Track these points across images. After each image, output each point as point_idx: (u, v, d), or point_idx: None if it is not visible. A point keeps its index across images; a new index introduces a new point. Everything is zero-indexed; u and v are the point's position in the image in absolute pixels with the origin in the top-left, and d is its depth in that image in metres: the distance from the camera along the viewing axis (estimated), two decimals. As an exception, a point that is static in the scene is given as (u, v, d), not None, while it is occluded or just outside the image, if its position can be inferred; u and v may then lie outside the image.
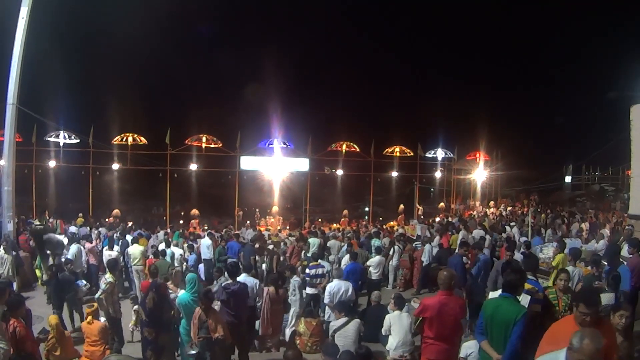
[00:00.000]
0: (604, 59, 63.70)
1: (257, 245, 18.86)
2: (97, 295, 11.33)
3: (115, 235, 20.81)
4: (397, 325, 9.78)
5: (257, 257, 17.87)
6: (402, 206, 38.82)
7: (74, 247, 16.66)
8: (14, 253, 16.24)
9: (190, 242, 19.77)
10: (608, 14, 67.87)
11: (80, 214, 31.72)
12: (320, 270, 13.66)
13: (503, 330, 6.41)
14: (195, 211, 34.46)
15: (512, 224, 25.54)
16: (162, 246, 18.38)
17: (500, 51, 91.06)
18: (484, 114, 52.57)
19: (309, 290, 13.43)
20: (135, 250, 17.12)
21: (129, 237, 19.27)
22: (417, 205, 41.28)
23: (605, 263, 12.54)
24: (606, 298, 8.25)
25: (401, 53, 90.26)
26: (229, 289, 9.49)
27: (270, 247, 20.03)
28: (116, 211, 33.07)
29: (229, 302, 9.44)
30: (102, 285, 11.48)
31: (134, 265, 16.62)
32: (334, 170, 43.32)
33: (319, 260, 14.36)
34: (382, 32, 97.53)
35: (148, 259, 16.80)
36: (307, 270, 13.84)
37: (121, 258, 17.00)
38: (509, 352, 6.27)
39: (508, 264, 12.00)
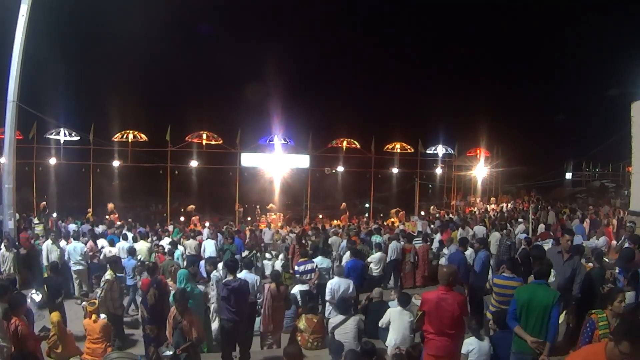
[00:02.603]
0: (605, 55, 63.90)
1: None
2: (97, 295, 11.36)
3: (115, 232, 20.88)
4: (397, 322, 9.76)
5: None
6: (393, 211, 38.75)
7: (73, 245, 16.56)
8: (14, 251, 16.25)
9: (187, 242, 19.63)
10: (609, 11, 67.76)
11: (89, 210, 31.91)
12: (309, 266, 13.73)
13: (541, 314, 7.07)
14: (191, 207, 34.50)
15: (520, 220, 25.48)
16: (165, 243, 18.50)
17: (501, 47, 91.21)
18: (484, 110, 52.73)
19: (300, 287, 13.50)
20: (141, 247, 17.13)
21: (129, 235, 19.32)
22: (432, 208, 41.35)
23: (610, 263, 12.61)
24: (627, 296, 7.98)
25: (401, 49, 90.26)
26: (230, 285, 9.47)
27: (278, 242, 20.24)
28: (110, 205, 32.98)
29: (229, 299, 9.42)
30: (101, 284, 11.53)
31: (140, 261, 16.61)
32: (334, 172, 43.38)
33: (320, 257, 14.45)
34: (383, 29, 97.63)
35: (159, 256, 16.88)
36: (297, 267, 13.99)
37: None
38: (553, 332, 7.05)
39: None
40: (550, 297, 7.17)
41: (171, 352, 8.61)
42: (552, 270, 8.63)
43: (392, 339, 9.65)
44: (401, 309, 10.21)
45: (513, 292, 8.39)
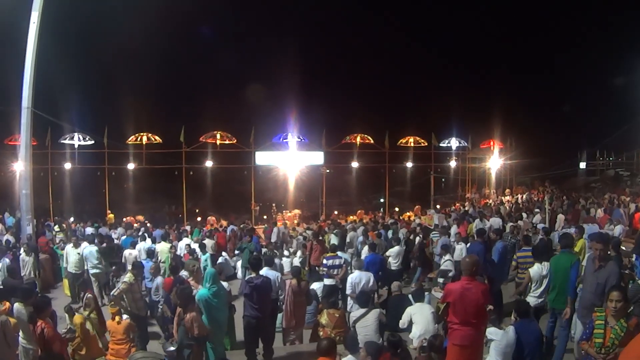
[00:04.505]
0: (617, 44, 63.38)
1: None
2: (111, 293, 11.45)
3: (133, 234, 21.03)
4: (418, 316, 9.77)
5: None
6: (418, 206, 38.74)
7: (89, 248, 16.60)
8: (33, 255, 16.35)
9: (204, 242, 19.62)
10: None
11: (109, 211, 32.23)
12: (337, 261, 13.78)
13: (563, 275, 8.88)
14: (212, 218, 34.54)
15: (536, 210, 25.44)
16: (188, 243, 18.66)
17: (513, 38, 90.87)
18: (497, 102, 52.74)
19: (326, 281, 13.57)
20: (162, 248, 17.22)
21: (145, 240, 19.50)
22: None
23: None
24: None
25: (413, 43, 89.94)
26: (253, 282, 9.52)
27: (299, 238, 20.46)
28: (139, 217, 33.08)
29: (252, 296, 9.46)
30: (119, 284, 11.59)
31: (162, 262, 16.63)
32: (328, 171, 43.64)
33: (337, 252, 14.50)
34: (394, 23, 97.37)
35: (185, 255, 17.03)
36: (325, 261, 14.02)
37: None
38: (572, 288, 8.67)
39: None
40: (569, 260, 9.01)
41: (174, 348, 8.72)
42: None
43: (417, 332, 9.67)
44: (420, 303, 10.28)
45: (531, 259, 11.35)
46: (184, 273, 12.48)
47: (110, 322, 10.60)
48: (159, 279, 12.65)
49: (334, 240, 18.12)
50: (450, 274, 13.67)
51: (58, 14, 20.73)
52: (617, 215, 20.12)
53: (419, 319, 9.75)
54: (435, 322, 9.52)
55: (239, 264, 18.88)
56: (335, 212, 39.10)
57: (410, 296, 11.29)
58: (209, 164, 39.69)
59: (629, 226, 19.67)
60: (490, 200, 40.90)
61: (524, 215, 23.27)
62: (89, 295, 11.57)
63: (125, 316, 10.74)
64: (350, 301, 11.95)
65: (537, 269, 10.26)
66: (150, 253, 16.20)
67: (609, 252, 10.46)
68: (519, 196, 42.80)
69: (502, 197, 43.03)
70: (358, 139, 40.60)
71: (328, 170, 43.49)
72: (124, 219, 30.88)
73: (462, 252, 15.02)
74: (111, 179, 38.33)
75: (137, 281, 11.63)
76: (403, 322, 10.10)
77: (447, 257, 15.02)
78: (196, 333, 8.59)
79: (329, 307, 11.09)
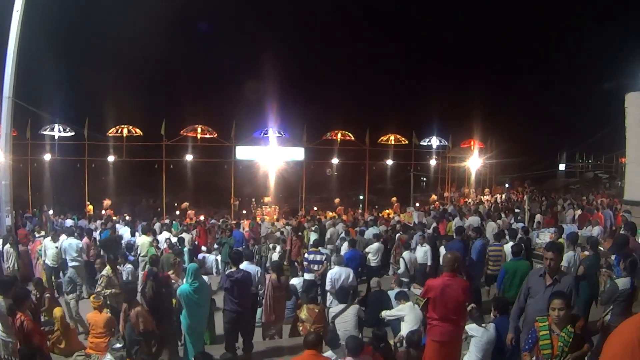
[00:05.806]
0: (599, 46, 63.85)
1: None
2: (95, 290, 11.40)
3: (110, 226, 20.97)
4: (411, 315, 9.76)
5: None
6: (394, 198, 38.99)
7: (68, 241, 16.40)
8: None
9: (181, 236, 19.50)
10: (602, 1, 67.91)
11: (88, 202, 32.07)
12: (318, 257, 13.87)
13: (523, 278, 8.96)
14: (185, 204, 34.58)
15: (517, 210, 25.68)
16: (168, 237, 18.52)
17: (495, 38, 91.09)
18: (478, 102, 52.74)
19: (306, 276, 13.77)
20: (143, 241, 17.14)
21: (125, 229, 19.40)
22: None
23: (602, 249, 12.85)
24: (622, 282, 8.08)
25: (395, 41, 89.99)
26: (233, 276, 9.53)
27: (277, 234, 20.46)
28: (107, 202, 33.09)
29: (232, 290, 9.49)
30: (98, 280, 11.56)
31: (142, 256, 16.57)
32: (335, 174, 43.79)
33: (319, 248, 14.59)
34: (376, 20, 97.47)
35: (165, 249, 16.93)
36: (306, 256, 14.18)
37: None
38: None
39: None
40: (527, 266, 10.85)
41: (120, 345, 8.67)
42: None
43: (407, 332, 9.68)
44: (411, 303, 10.32)
45: (500, 253, 13.30)
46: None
47: (91, 315, 10.60)
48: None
49: (313, 237, 18.17)
50: (399, 271, 14.01)
51: (41, 3, 20.56)
52: (607, 217, 20.49)
53: (411, 318, 9.73)
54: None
55: (219, 258, 18.94)
56: (315, 208, 39.16)
57: (392, 295, 11.30)
58: (189, 157, 39.62)
59: (610, 228, 19.88)
60: (470, 200, 41.09)
61: (503, 215, 23.49)
62: (47, 295, 11.54)
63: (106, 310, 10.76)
64: (329, 297, 12.02)
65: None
66: (130, 247, 16.14)
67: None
68: (498, 196, 43.10)
69: (482, 197, 43.25)
70: (339, 135, 40.71)
71: (336, 173, 43.80)
72: (102, 212, 30.73)
73: (425, 255, 15.16)
74: (91, 171, 38.11)
75: (115, 274, 11.59)
76: (389, 314, 10.14)
77: (404, 254, 15.10)
78: (141, 329, 8.55)
79: (309, 302, 11.15)
